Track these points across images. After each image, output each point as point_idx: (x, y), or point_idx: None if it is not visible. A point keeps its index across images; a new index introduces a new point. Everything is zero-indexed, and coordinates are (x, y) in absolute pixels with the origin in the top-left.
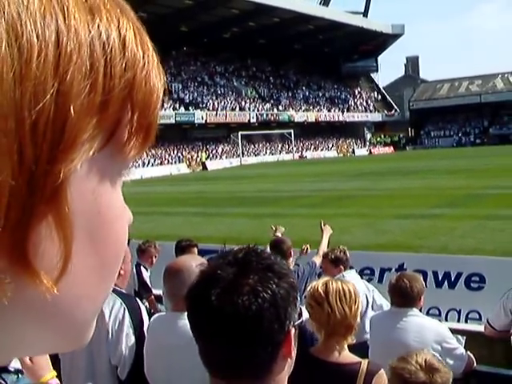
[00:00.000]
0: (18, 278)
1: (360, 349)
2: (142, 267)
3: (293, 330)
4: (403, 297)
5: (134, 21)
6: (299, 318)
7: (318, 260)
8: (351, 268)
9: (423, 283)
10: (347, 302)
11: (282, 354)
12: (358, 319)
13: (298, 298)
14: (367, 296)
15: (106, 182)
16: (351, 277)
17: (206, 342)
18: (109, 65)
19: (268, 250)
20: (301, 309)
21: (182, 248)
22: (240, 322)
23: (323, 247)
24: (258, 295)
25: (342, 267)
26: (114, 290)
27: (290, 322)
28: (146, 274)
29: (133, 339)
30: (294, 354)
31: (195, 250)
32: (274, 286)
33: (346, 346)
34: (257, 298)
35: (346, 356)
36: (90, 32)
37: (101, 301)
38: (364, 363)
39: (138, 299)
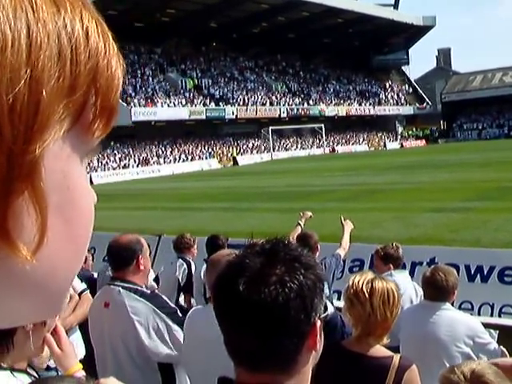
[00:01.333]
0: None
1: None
2: (190, 262)
3: (318, 323)
4: (437, 290)
5: (94, 13)
6: (325, 312)
7: (342, 252)
8: (404, 267)
9: (457, 277)
10: (389, 306)
11: (307, 346)
12: (391, 320)
13: (325, 291)
14: (412, 300)
15: (74, 161)
16: (400, 277)
17: (232, 331)
18: (74, 53)
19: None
20: (326, 302)
21: (210, 244)
22: (267, 312)
23: (346, 240)
24: (285, 285)
25: (391, 265)
26: (136, 291)
27: (316, 314)
28: (193, 270)
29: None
30: (319, 346)
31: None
32: (301, 276)
33: (377, 342)
34: (284, 288)
35: (378, 350)
36: (57, 23)
37: (74, 272)
38: (396, 357)
39: (163, 296)
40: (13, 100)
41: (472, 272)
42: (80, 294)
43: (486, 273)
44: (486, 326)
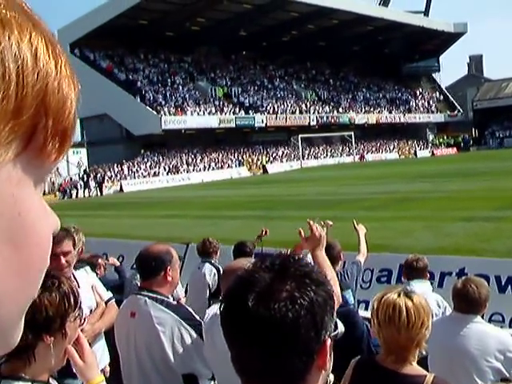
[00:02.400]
0: None
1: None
2: (219, 266)
3: (329, 341)
4: (469, 303)
5: (46, 33)
6: (335, 330)
7: (362, 258)
8: (432, 277)
9: (489, 289)
10: (395, 323)
11: (316, 365)
12: (422, 338)
13: (350, 299)
14: (434, 313)
15: (27, 185)
16: (418, 287)
17: (240, 348)
18: (21, 74)
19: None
20: (336, 321)
21: (236, 251)
22: (276, 329)
23: (363, 245)
24: (296, 302)
25: (411, 275)
26: (162, 302)
27: (326, 332)
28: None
29: (198, 342)
30: (328, 366)
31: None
32: (312, 293)
33: (409, 360)
34: (294, 304)
35: (412, 368)
36: (0, 44)
37: (25, 302)
38: (430, 377)
39: (188, 307)
40: None
41: (503, 283)
42: (106, 303)
43: None
44: None
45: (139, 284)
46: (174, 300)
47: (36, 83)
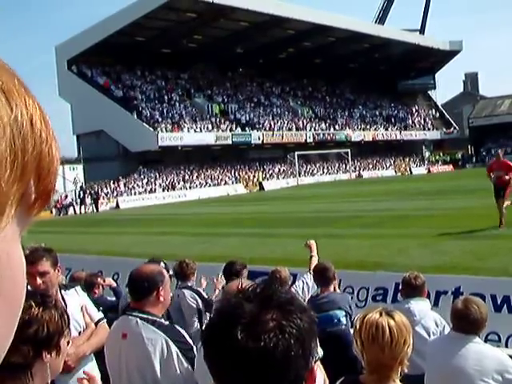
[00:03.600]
0: None
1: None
2: (199, 290)
3: (315, 366)
4: (471, 323)
5: (34, 98)
6: (316, 354)
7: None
8: (428, 296)
9: (487, 310)
10: (379, 342)
11: None
12: (404, 356)
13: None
14: (431, 332)
15: (16, 240)
16: (418, 305)
17: (229, 381)
18: (24, 141)
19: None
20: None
21: (226, 270)
22: (268, 360)
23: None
24: (285, 330)
25: (409, 293)
26: (154, 322)
27: (313, 358)
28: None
29: (186, 368)
30: None
31: (244, 271)
32: (298, 320)
33: (392, 378)
34: (284, 333)
35: None
36: (8, 114)
37: (6, 349)
38: None
39: (180, 329)
40: None
41: (498, 302)
42: (97, 323)
43: None
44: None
45: (130, 304)
46: (165, 320)
47: (34, 149)
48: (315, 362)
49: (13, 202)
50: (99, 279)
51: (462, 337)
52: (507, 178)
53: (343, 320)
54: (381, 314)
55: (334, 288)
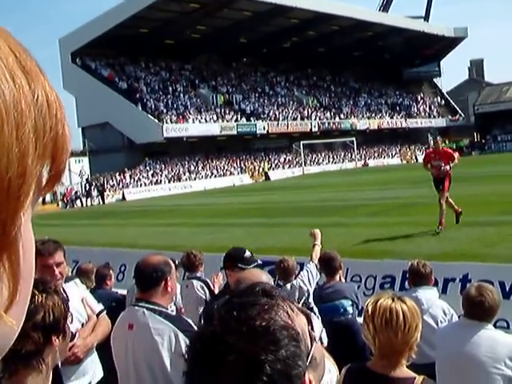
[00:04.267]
0: None
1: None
2: (207, 281)
3: (306, 375)
4: (485, 310)
5: (48, 80)
6: (322, 343)
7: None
8: (436, 283)
9: (500, 297)
10: (393, 327)
11: None
12: (414, 341)
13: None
14: (439, 320)
15: (29, 220)
16: (425, 294)
17: None
18: (44, 121)
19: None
20: (321, 336)
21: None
22: None
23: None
24: (262, 371)
25: (416, 281)
26: (161, 313)
27: (304, 371)
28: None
29: None
30: None
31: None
32: (279, 352)
33: (401, 363)
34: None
35: (402, 371)
36: (31, 95)
37: (18, 331)
38: (418, 379)
39: (188, 319)
40: (9, 177)
41: (507, 289)
42: (98, 315)
43: None
44: None
45: (136, 295)
46: (174, 310)
47: (51, 129)
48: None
49: (34, 181)
50: (111, 271)
51: (475, 324)
52: (447, 168)
53: (349, 309)
54: (393, 300)
55: (340, 277)
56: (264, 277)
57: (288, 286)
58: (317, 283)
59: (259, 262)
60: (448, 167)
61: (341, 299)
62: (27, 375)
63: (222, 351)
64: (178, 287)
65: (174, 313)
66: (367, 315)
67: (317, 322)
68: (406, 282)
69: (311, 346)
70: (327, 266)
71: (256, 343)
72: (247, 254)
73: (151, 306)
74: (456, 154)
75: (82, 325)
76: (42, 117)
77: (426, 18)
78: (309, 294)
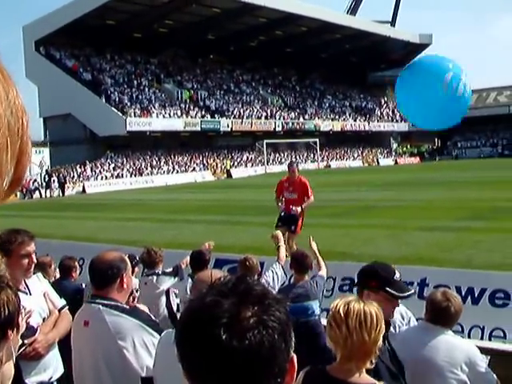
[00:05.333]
0: None
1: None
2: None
3: (294, 357)
4: (448, 316)
5: (16, 87)
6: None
7: (324, 273)
8: None
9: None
10: (367, 328)
11: (287, 382)
12: (380, 343)
13: (316, 310)
14: (397, 325)
15: None
16: None
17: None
18: (14, 121)
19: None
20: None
21: (194, 259)
22: (254, 359)
23: (321, 261)
24: (268, 326)
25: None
26: (117, 307)
27: (292, 348)
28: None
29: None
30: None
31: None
32: (278, 312)
33: (363, 369)
34: (267, 329)
35: (362, 377)
36: (6, 96)
37: None
38: None
39: (142, 309)
40: None
41: (463, 293)
42: (60, 310)
43: (476, 295)
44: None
45: (92, 292)
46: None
47: (19, 130)
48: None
49: (5, 180)
50: (76, 262)
51: (434, 328)
52: (298, 210)
53: (317, 311)
54: (363, 302)
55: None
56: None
57: None
58: (284, 282)
59: (412, 291)
60: (299, 208)
61: (310, 300)
62: None
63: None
64: (136, 283)
65: (128, 306)
66: (339, 317)
67: None
68: None
69: None
70: (300, 263)
71: (264, 309)
72: (397, 275)
73: (107, 302)
74: (310, 191)
75: (44, 319)
76: (13, 117)
77: (393, 23)
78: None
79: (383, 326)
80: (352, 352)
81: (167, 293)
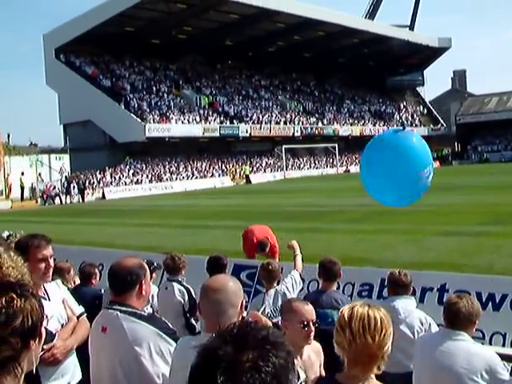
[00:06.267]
0: None
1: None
2: (189, 288)
3: None
4: (464, 321)
5: None
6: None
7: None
8: (414, 293)
9: (480, 308)
10: (370, 331)
11: None
12: (387, 349)
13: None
14: (416, 330)
15: None
16: (403, 303)
17: None
18: None
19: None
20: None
21: (212, 264)
22: None
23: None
24: (261, 370)
25: (398, 292)
26: (135, 314)
27: None
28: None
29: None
30: None
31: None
32: (274, 357)
33: (372, 375)
34: (260, 373)
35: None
36: None
37: None
38: None
39: (162, 317)
40: None
41: (484, 300)
42: (78, 317)
43: (498, 301)
44: (500, 357)
45: (110, 298)
46: (151, 312)
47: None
48: None
49: None
50: (96, 269)
51: (452, 334)
52: None
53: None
54: (369, 306)
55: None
56: (231, 283)
57: (272, 291)
58: (303, 288)
59: None
60: None
61: (332, 309)
62: (3, 380)
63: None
64: (155, 289)
65: (146, 314)
66: (343, 321)
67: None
68: (385, 291)
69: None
70: (328, 270)
71: (260, 354)
72: None
73: (125, 309)
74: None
75: (62, 326)
76: None
77: (411, 27)
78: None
79: (390, 330)
80: (356, 356)
81: (184, 308)
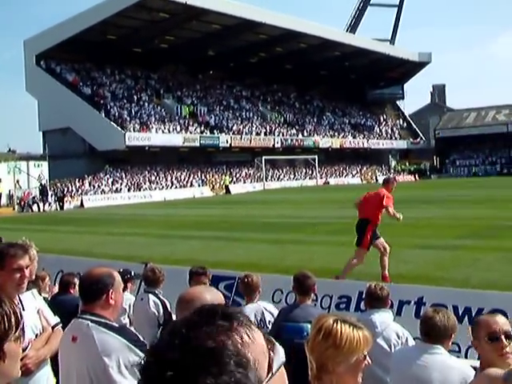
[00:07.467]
0: None
1: None
2: (165, 301)
3: None
4: (440, 334)
5: None
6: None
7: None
8: (391, 306)
9: (456, 321)
10: (327, 343)
11: None
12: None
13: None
14: (392, 344)
15: None
16: (380, 316)
17: None
18: None
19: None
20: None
21: (192, 275)
22: None
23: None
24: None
25: (375, 305)
26: (106, 325)
27: None
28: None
29: None
30: None
31: (205, 278)
32: (213, 379)
33: None
34: None
35: None
36: None
37: None
38: None
39: (132, 329)
40: None
41: (460, 313)
42: (53, 328)
43: (474, 314)
44: (474, 369)
45: (81, 307)
46: (128, 323)
47: None
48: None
49: None
50: (75, 279)
51: (429, 347)
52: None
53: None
54: (336, 319)
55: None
56: (208, 296)
57: (253, 306)
58: (286, 302)
59: None
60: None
61: (307, 322)
62: None
63: (163, 368)
64: (132, 299)
65: (123, 324)
66: (322, 338)
67: (281, 353)
68: (362, 303)
69: (267, 377)
70: (302, 284)
71: (198, 364)
72: None
73: (95, 318)
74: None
75: (36, 336)
76: None
77: (392, 41)
78: (272, 315)
79: (354, 346)
80: (317, 368)
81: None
